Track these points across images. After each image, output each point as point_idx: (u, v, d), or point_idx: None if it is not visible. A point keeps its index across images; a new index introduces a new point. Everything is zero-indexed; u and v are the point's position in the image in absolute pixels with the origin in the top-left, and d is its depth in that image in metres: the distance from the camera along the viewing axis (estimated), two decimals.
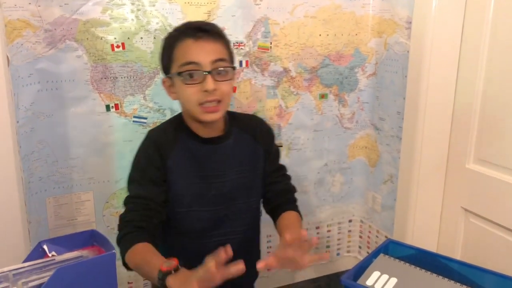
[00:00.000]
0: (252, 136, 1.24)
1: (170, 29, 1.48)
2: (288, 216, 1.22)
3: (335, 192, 1.97)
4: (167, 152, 1.14)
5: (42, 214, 1.50)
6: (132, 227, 1.07)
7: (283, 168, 1.32)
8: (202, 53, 1.08)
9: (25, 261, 0.65)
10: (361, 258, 1.20)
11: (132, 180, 1.15)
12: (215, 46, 1.11)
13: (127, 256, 1.03)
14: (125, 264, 1.04)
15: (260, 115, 1.73)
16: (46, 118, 1.44)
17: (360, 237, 2.05)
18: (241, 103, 1.69)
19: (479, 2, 1.44)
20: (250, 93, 1.70)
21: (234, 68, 1.14)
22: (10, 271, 0.62)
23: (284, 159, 1.82)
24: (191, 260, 1.10)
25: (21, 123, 1.37)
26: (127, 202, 1.13)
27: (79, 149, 1.51)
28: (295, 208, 1.27)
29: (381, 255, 1.09)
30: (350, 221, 2.04)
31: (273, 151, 1.29)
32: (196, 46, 1.09)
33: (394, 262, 1.06)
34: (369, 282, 0.97)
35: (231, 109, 1.66)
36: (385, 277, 0.99)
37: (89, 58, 1.46)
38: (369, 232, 1.99)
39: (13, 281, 0.62)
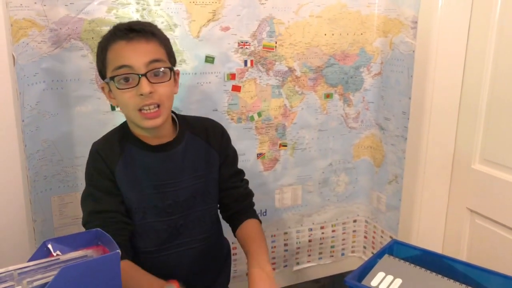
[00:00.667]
0: (205, 140, 1.18)
1: (174, 29, 1.50)
2: (249, 226, 1.17)
3: (340, 192, 1.97)
4: (113, 163, 1.08)
5: (47, 212, 1.51)
6: None
7: (241, 172, 1.27)
8: (135, 55, 1.01)
9: (30, 260, 0.65)
10: (366, 259, 1.19)
11: (87, 195, 1.09)
12: (149, 46, 1.04)
13: None
14: None
15: (264, 114, 1.73)
16: (51, 117, 1.45)
17: (365, 237, 2.05)
18: (246, 103, 1.69)
19: (486, 2, 1.43)
20: (255, 93, 1.70)
21: (171, 68, 1.07)
22: (15, 270, 0.62)
23: (288, 159, 1.82)
24: (155, 273, 1.04)
25: (26, 122, 1.38)
26: (90, 219, 1.06)
27: (84, 148, 1.50)
28: (254, 214, 1.22)
29: (386, 255, 1.08)
30: (355, 221, 2.03)
31: (230, 154, 1.23)
32: (128, 48, 1.02)
33: (399, 262, 1.06)
34: (373, 283, 0.97)
35: (234, 109, 1.67)
36: (390, 278, 0.99)
37: (94, 57, 1.45)
38: (374, 232, 1.98)
39: (18, 280, 0.62)
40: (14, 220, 1.31)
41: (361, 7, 1.76)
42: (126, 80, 1.01)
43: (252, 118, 1.72)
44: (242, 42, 1.63)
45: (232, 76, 1.64)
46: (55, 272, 0.62)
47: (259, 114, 1.73)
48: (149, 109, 1.02)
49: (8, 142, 1.28)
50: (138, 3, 1.46)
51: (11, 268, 0.62)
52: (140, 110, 1.02)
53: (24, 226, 1.33)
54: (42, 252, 0.67)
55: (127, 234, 1.08)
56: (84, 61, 1.45)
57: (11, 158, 1.29)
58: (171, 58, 1.11)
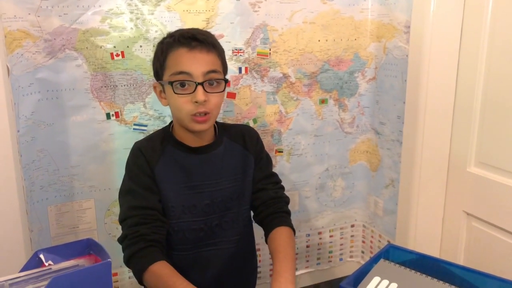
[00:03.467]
0: (242, 145, 1.24)
1: None
2: (279, 237, 1.15)
3: (337, 197, 1.97)
4: (153, 161, 1.13)
5: (43, 222, 1.51)
6: (145, 242, 1.05)
7: (274, 175, 1.29)
8: (195, 63, 1.08)
9: (21, 270, 0.65)
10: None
11: (127, 191, 1.13)
12: (209, 57, 1.10)
13: (145, 276, 1.02)
14: (141, 283, 1.04)
15: (260, 120, 1.74)
16: (46, 127, 1.45)
17: (363, 242, 2.04)
18: (241, 109, 1.70)
19: (477, 6, 1.44)
20: (250, 99, 1.70)
21: (226, 80, 1.14)
22: (6, 280, 0.63)
23: (285, 165, 1.82)
24: (186, 271, 1.11)
25: (21, 132, 1.38)
26: (129, 214, 1.09)
27: (80, 157, 1.52)
28: (286, 221, 1.21)
29: (382, 260, 1.08)
30: (352, 226, 2.03)
31: (263, 157, 1.27)
32: (189, 56, 1.08)
33: (395, 267, 1.06)
34: None
35: (229, 116, 1.68)
36: (385, 282, 0.99)
37: (89, 67, 1.47)
38: (372, 237, 1.98)
39: None
40: (10, 231, 1.31)
41: (354, 13, 1.77)
42: (183, 85, 1.08)
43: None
44: (236, 50, 1.64)
45: (227, 84, 1.65)
46: (46, 282, 0.62)
47: (255, 121, 1.73)
48: (200, 115, 1.09)
49: (3, 152, 1.28)
50: (131, 13, 1.47)
51: (2, 279, 0.63)
52: (191, 114, 1.09)
53: (20, 236, 1.33)
54: (34, 262, 0.67)
55: (164, 232, 1.12)
56: (79, 70, 1.46)
57: (6, 168, 1.29)
58: (225, 69, 1.18)
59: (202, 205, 1.17)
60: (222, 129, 1.25)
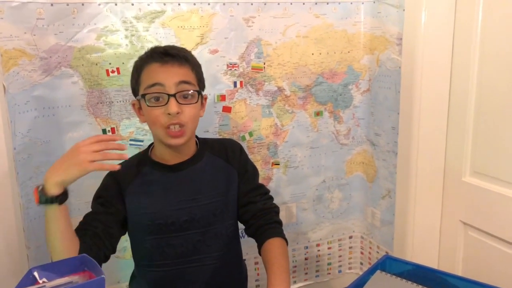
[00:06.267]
0: (225, 159, 1.24)
1: None
2: (272, 248, 1.15)
3: (334, 208, 1.97)
4: (125, 183, 1.17)
5: (41, 239, 1.50)
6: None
7: (260, 187, 1.28)
8: (167, 75, 1.10)
9: None
10: None
11: (93, 198, 1.21)
12: (181, 69, 1.12)
13: None
14: None
15: (256, 134, 1.75)
16: (43, 144, 1.46)
17: (361, 253, 2.04)
18: (237, 123, 1.71)
19: (468, 17, 1.46)
20: (245, 113, 1.71)
21: (199, 92, 1.14)
22: None
23: (281, 177, 1.83)
24: (170, 287, 1.12)
25: (18, 149, 1.39)
26: (84, 218, 1.17)
27: None
28: (278, 232, 1.20)
29: (378, 271, 1.08)
30: (350, 237, 2.03)
31: (248, 170, 1.27)
32: (161, 70, 1.11)
33: (391, 278, 1.06)
34: None
35: (225, 130, 1.69)
36: None
37: (84, 83, 1.48)
38: (370, 248, 1.98)
39: None
40: (6, 248, 1.31)
41: (347, 26, 1.79)
42: (157, 99, 1.09)
43: (243, 138, 1.73)
44: (231, 64, 1.65)
45: (222, 98, 1.66)
46: None
47: (251, 134, 1.74)
48: (174, 128, 1.10)
49: None
50: (126, 30, 1.49)
51: None
52: (166, 127, 1.10)
53: (17, 254, 1.33)
54: (28, 280, 0.67)
55: (101, 246, 1.11)
56: (75, 87, 1.47)
57: (2, 186, 1.30)
58: (201, 83, 1.19)
59: (180, 222, 1.17)
60: (204, 144, 1.25)
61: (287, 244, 1.19)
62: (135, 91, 1.17)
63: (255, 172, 1.30)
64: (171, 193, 1.17)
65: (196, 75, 1.16)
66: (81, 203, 1.55)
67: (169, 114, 1.08)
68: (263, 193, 1.27)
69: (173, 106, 1.07)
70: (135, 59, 1.50)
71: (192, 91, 1.12)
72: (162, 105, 1.09)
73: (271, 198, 1.29)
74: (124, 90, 1.53)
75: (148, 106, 1.10)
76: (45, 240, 1.50)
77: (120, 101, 1.53)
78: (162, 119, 1.09)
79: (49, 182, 0.98)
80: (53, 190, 0.97)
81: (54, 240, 1.01)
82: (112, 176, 1.19)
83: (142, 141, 1.58)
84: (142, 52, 1.50)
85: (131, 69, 1.49)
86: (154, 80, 1.10)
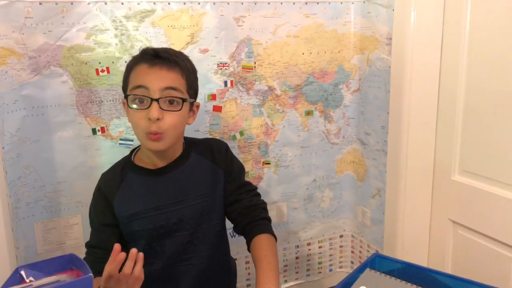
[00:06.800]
0: (211, 159, 1.23)
1: None
2: (260, 245, 1.15)
3: (325, 207, 1.98)
4: (112, 194, 1.17)
5: (30, 239, 1.50)
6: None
7: (246, 184, 1.27)
8: (153, 78, 1.07)
9: (2, 287, 0.65)
10: None
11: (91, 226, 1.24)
12: (169, 74, 1.09)
13: None
14: None
15: (247, 133, 1.75)
16: (32, 144, 1.45)
17: (352, 252, 2.05)
18: (228, 122, 1.71)
19: (456, 17, 1.47)
20: (236, 112, 1.71)
21: (184, 100, 1.11)
22: None
23: (272, 176, 1.83)
24: (158, 287, 1.13)
25: (7, 149, 1.38)
26: (86, 249, 1.22)
27: (66, 173, 1.52)
28: (266, 228, 1.20)
29: (367, 269, 1.08)
30: (341, 236, 2.04)
31: (234, 169, 1.26)
32: (148, 72, 1.08)
33: (381, 276, 1.06)
34: None
35: (216, 129, 1.69)
36: None
37: (74, 83, 1.47)
38: (361, 246, 1.98)
39: None
40: None
41: (337, 26, 1.80)
42: (141, 101, 1.08)
43: (234, 138, 1.73)
44: (221, 64, 1.65)
45: (213, 97, 1.66)
46: None
47: (241, 133, 1.74)
48: (154, 133, 1.08)
49: None
50: (116, 29, 1.49)
51: None
52: (146, 132, 1.08)
53: (5, 254, 1.32)
54: (14, 279, 0.67)
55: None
56: (64, 87, 1.46)
57: None
58: (191, 90, 1.15)
59: (169, 224, 1.17)
60: (190, 144, 1.24)
61: (275, 240, 1.19)
62: (124, 90, 1.16)
63: (241, 170, 1.29)
64: (158, 196, 1.17)
65: (187, 81, 1.13)
66: (72, 202, 1.55)
67: (149, 119, 1.05)
68: (250, 190, 1.27)
69: (154, 111, 1.05)
70: (125, 58, 1.51)
71: (176, 98, 1.09)
72: (144, 109, 1.07)
73: (258, 194, 1.29)
74: (114, 89, 1.52)
75: (129, 108, 1.09)
76: (33, 240, 1.50)
77: (110, 101, 1.53)
78: (143, 123, 1.07)
79: None
80: None
81: None
82: (99, 191, 1.20)
83: (132, 140, 1.57)
84: (132, 51, 1.52)
85: (121, 69, 1.51)
86: (139, 82, 1.08)
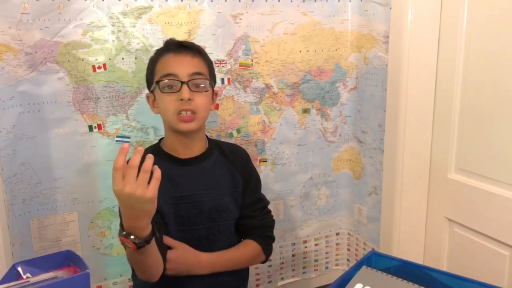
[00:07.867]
0: (231, 162, 1.28)
1: (150, 49, 1.52)
2: (242, 245, 1.25)
3: (321, 205, 1.98)
4: None
5: (26, 236, 1.49)
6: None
7: (261, 200, 1.33)
8: (180, 66, 1.15)
9: None
10: None
11: None
12: (194, 60, 1.17)
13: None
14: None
15: (243, 130, 1.75)
16: (28, 140, 1.44)
17: (348, 249, 2.05)
18: (225, 120, 1.71)
19: (453, 15, 1.47)
20: (233, 110, 1.71)
21: (211, 82, 1.19)
22: None
23: (269, 174, 1.83)
24: (173, 279, 1.12)
25: (2, 145, 1.37)
26: None
27: (62, 170, 1.51)
28: (261, 241, 1.28)
29: (364, 267, 1.09)
30: (337, 234, 2.04)
31: (252, 180, 1.31)
32: (175, 60, 1.16)
33: (377, 274, 1.06)
34: None
35: (213, 126, 1.68)
36: None
37: (71, 79, 1.47)
38: (357, 244, 1.99)
39: None
40: None
41: (335, 24, 1.80)
42: (170, 87, 1.15)
43: (231, 135, 1.73)
44: (218, 61, 1.65)
45: None
46: None
47: (238, 131, 1.74)
48: (186, 113, 1.14)
49: None
50: (113, 25, 1.48)
51: None
52: (178, 113, 1.14)
53: (1, 251, 1.31)
54: (11, 275, 0.66)
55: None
56: (60, 83, 1.46)
57: None
58: (212, 77, 1.23)
59: (189, 215, 1.20)
60: (214, 143, 1.29)
61: (265, 259, 1.29)
62: (149, 83, 1.22)
63: (258, 182, 1.34)
64: (181, 186, 1.21)
65: (208, 68, 1.22)
66: (68, 199, 1.54)
67: (181, 99, 1.12)
68: (263, 207, 1.32)
69: (185, 92, 1.12)
70: (122, 55, 1.51)
71: (204, 80, 1.17)
72: (175, 92, 1.13)
73: (269, 212, 1.34)
74: (111, 86, 1.52)
75: (161, 92, 1.14)
76: (29, 236, 1.49)
77: (106, 97, 1.52)
78: (175, 104, 1.14)
79: (137, 227, 0.92)
80: (145, 232, 0.93)
81: (150, 266, 1.03)
82: None
83: (129, 137, 1.57)
84: (129, 48, 1.52)
85: (117, 65, 1.51)
86: (167, 70, 1.15)
